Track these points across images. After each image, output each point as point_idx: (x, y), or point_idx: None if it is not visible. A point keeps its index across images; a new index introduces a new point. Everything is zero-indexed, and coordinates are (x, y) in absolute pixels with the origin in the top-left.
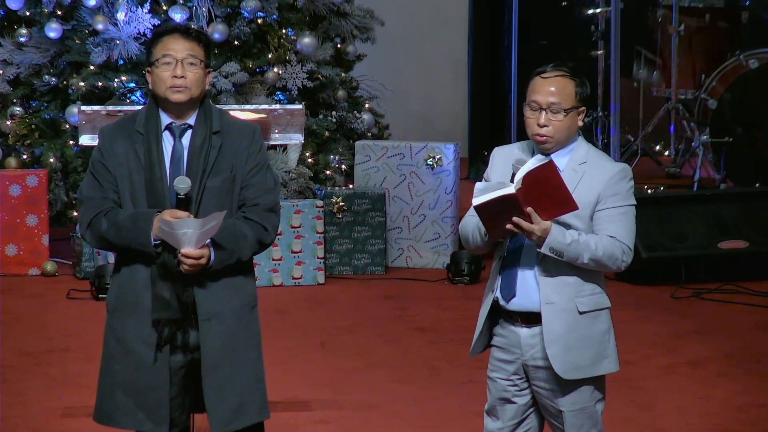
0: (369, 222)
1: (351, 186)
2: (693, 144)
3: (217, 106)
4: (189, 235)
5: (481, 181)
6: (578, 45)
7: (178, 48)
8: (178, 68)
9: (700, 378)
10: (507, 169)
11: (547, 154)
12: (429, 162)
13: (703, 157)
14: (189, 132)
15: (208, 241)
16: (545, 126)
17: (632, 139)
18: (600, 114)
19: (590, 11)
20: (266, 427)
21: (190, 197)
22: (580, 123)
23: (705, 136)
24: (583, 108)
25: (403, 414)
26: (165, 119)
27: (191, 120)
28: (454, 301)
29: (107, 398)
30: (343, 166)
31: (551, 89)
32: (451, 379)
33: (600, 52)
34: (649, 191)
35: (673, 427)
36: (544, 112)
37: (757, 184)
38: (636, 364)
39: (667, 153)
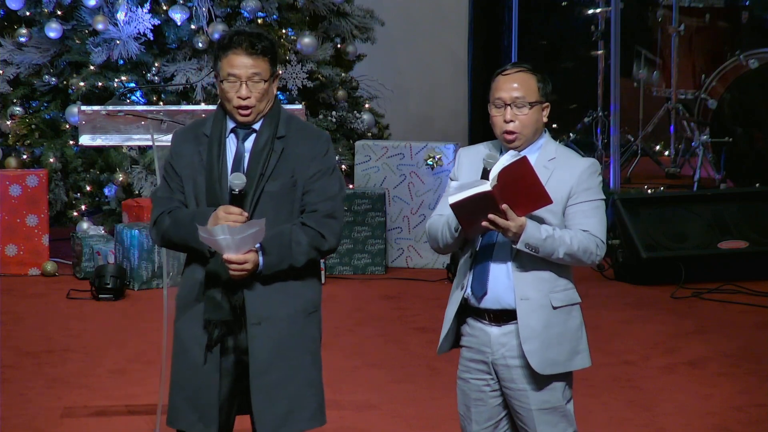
0: (369, 222)
1: (351, 186)
2: (693, 144)
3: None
4: (228, 241)
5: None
6: (578, 45)
7: (242, 65)
8: (243, 89)
9: (700, 378)
10: (474, 169)
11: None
12: (429, 162)
13: (703, 157)
14: (253, 135)
15: (258, 246)
16: (512, 121)
17: (632, 139)
18: (600, 114)
19: (590, 11)
20: None
21: (245, 194)
22: (545, 119)
23: (705, 136)
24: (547, 104)
25: (403, 414)
26: (230, 123)
27: (257, 124)
28: None
29: (171, 399)
30: (343, 166)
31: (514, 85)
32: (451, 379)
33: (600, 52)
34: (649, 191)
35: (673, 427)
36: (509, 108)
37: (757, 184)
38: (636, 364)
39: (667, 153)
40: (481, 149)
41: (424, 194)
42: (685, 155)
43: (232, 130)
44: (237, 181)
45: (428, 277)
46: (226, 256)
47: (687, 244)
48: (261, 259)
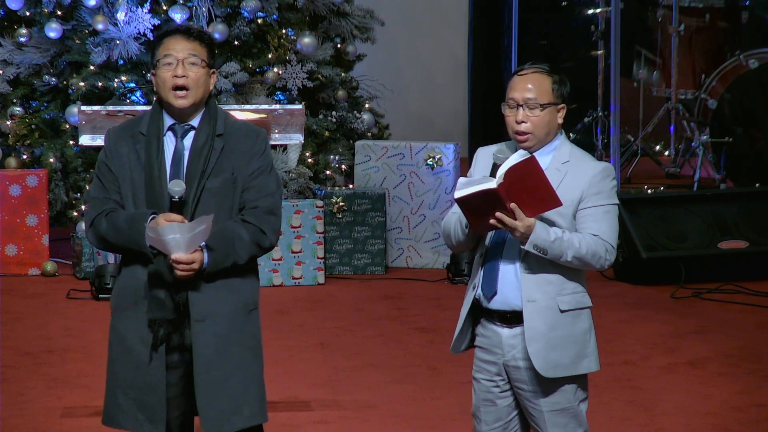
0: (369, 222)
1: (351, 186)
2: (693, 144)
3: (220, 106)
4: (177, 240)
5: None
6: (578, 45)
7: (179, 48)
8: (179, 68)
9: (700, 378)
10: (489, 168)
11: (529, 152)
12: (429, 162)
13: (703, 157)
14: (192, 133)
15: (203, 244)
16: (523, 122)
17: (632, 139)
18: (600, 114)
19: (590, 11)
20: (265, 427)
21: (185, 201)
22: (560, 120)
23: (705, 136)
24: (562, 105)
25: (402, 414)
26: (168, 120)
27: (194, 121)
28: (454, 301)
29: (111, 400)
30: (343, 166)
31: (528, 86)
32: (451, 379)
33: (600, 52)
34: (649, 191)
35: (673, 427)
36: (521, 109)
37: (757, 184)
38: (636, 364)
39: (667, 153)
40: (496, 149)
41: (424, 194)
42: (685, 155)
43: (170, 128)
44: (176, 188)
45: (428, 277)
46: (175, 256)
47: (687, 244)
48: (206, 257)
